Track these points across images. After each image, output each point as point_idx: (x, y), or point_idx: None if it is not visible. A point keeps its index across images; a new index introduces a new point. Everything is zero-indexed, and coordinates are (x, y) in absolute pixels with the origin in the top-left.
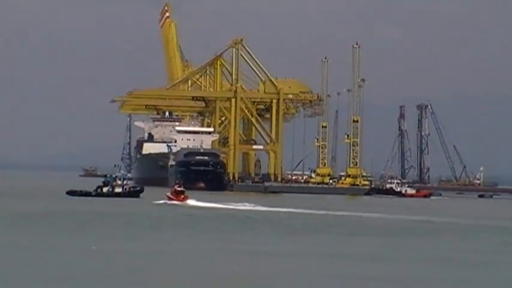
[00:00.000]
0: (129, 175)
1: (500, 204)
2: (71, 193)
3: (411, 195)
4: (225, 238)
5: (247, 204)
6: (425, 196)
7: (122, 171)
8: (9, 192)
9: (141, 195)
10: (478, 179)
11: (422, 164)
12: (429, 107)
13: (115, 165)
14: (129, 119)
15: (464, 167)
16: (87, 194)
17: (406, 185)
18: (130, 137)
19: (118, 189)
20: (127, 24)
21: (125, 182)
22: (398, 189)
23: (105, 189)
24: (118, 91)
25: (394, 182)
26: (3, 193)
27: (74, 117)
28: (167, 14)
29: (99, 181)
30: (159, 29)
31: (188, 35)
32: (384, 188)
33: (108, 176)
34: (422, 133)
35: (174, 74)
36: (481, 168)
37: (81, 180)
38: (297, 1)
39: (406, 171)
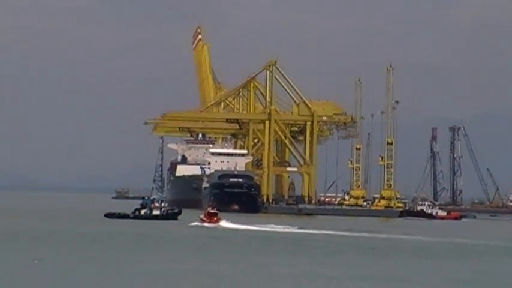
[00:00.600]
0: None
1: None
2: (109, 215)
3: (442, 218)
4: (250, 260)
5: (280, 226)
6: (456, 218)
7: (159, 194)
8: (47, 214)
9: (179, 217)
10: (511, 201)
11: (455, 186)
12: (462, 128)
13: (152, 188)
14: (161, 141)
15: (497, 188)
16: (125, 216)
17: (437, 207)
18: (162, 159)
19: (156, 212)
20: (160, 47)
21: (162, 204)
22: (429, 211)
23: (143, 212)
24: (151, 113)
25: (425, 204)
26: (43, 214)
27: (105, 139)
28: (199, 37)
29: (132, 203)
30: (192, 52)
31: (220, 57)
32: (415, 210)
33: (146, 198)
34: (455, 155)
35: (207, 96)
36: None
37: (114, 203)
38: (329, 22)
39: (439, 193)
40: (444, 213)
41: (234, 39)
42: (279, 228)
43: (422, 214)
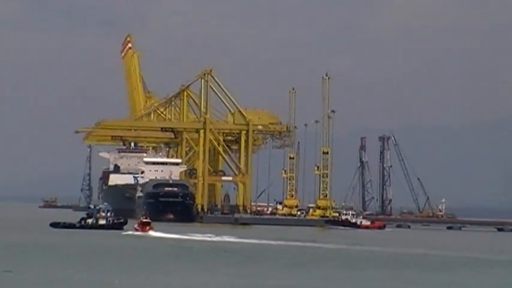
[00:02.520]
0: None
1: (478, 236)
2: (55, 225)
3: (366, 227)
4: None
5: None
6: (380, 228)
7: (105, 203)
8: None
9: (124, 227)
10: (441, 211)
11: (384, 196)
12: (392, 138)
13: (98, 197)
14: (89, 150)
15: (428, 198)
16: (71, 226)
17: (361, 217)
18: (90, 168)
19: (102, 221)
20: (88, 55)
21: (108, 213)
22: (354, 221)
23: (89, 221)
24: (78, 122)
25: (349, 214)
26: None
27: (26, 147)
28: (129, 45)
29: (60, 212)
30: (121, 60)
31: (150, 66)
32: (340, 220)
33: (92, 207)
34: (384, 165)
35: (137, 105)
36: (443, 200)
37: (43, 212)
38: (263, 30)
39: (367, 202)
40: (368, 223)
41: (163, 49)
42: (214, 238)
43: (347, 223)
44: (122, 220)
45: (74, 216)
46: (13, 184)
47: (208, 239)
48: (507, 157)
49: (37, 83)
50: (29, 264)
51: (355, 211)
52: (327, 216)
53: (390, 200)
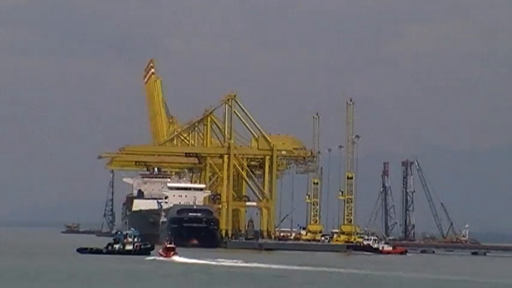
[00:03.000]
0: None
1: (504, 262)
2: (82, 250)
3: (388, 252)
4: None
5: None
6: (401, 253)
7: (132, 229)
8: (15, 250)
9: (151, 252)
10: (464, 236)
11: (407, 221)
12: (415, 163)
13: (122, 222)
14: (111, 175)
15: (451, 224)
16: (98, 251)
17: (383, 242)
18: (113, 193)
19: (129, 247)
20: (109, 81)
21: (135, 239)
22: (376, 246)
23: (116, 246)
24: (101, 147)
25: (371, 239)
26: (11, 251)
27: (47, 174)
28: (152, 70)
29: (83, 238)
30: (143, 86)
31: (173, 92)
32: (361, 245)
33: (119, 233)
34: (407, 190)
35: (159, 131)
36: (467, 226)
37: (66, 237)
38: (285, 57)
39: (390, 228)
40: (390, 248)
41: (185, 74)
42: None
43: (368, 248)
44: (148, 245)
45: (97, 242)
46: (35, 210)
47: (236, 264)
48: None
49: (56, 109)
50: None
51: (377, 236)
52: (352, 242)
53: (413, 226)
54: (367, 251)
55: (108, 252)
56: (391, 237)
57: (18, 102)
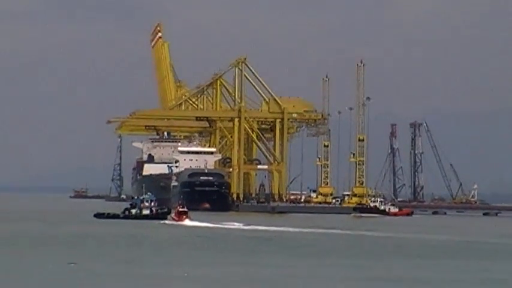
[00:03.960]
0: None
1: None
2: (99, 215)
3: (395, 214)
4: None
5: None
6: (407, 214)
7: (149, 193)
8: (33, 216)
9: (168, 216)
10: (473, 197)
11: (416, 183)
12: (424, 124)
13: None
14: (119, 140)
15: (461, 184)
16: (115, 216)
17: (389, 203)
18: (121, 158)
19: (146, 211)
20: (115, 44)
21: (152, 203)
22: (382, 208)
23: (133, 211)
24: (109, 112)
25: (377, 201)
26: (29, 217)
27: (57, 137)
28: (159, 34)
29: (92, 202)
30: (151, 50)
31: (180, 55)
32: (368, 207)
33: (136, 197)
34: (416, 151)
35: (167, 95)
36: (475, 186)
37: (75, 202)
38: (294, 18)
39: (398, 189)
40: (396, 210)
41: (192, 39)
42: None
43: (375, 210)
44: (165, 210)
45: (107, 206)
46: (42, 175)
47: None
48: None
49: (62, 75)
50: (88, 256)
51: (384, 198)
52: (364, 204)
53: (422, 187)
54: (374, 212)
55: (126, 217)
56: (400, 199)
57: (25, 68)
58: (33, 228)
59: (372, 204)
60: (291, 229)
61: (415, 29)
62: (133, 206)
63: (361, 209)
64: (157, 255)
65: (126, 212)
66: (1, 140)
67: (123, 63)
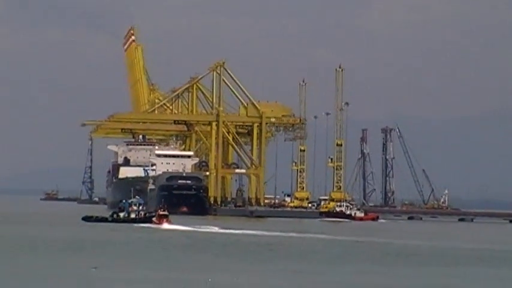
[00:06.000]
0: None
1: (496, 228)
2: (87, 219)
3: (360, 218)
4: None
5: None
6: (373, 219)
7: (137, 197)
8: (8, 219)
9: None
10: (444, 202)
11: (387, 187)
12: (396, 130)
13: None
14: (90, 142)
15: (432, 190)
16: (103, 219)
17: (355, 208)
18: (91, 161)
19: (133, 215)
20: (87, 52)
21: (140, 207)
22: (348, 212)
23: (121, 215)
24: (78, 115)
25: (343, 205)
26: (12, 220)
27: (25, 140)
28: (132, 38)
29: (63, 205)
30: (123, 53)
31: (152, 59)
32: (334, 211)
33: (124, 201)
34: (387, 156)
35: (141, 98)
36: (446, 191)
37: (46, 204)
38: (270, 22)
39: (368, 194)
40: (362, 215)
41: (164, 43)
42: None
43: (341, 215)
44: (153, 214)
45: (80, 209)
46: (11, 177)
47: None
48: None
49: (34, 79)
50: (107, 260)
51: (349, 203)
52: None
53: (393, 192)
54: (340, 217)
55: (114, 221)
56: (371, 204)
57: None
58: (29, 232)
59: (337, 209)
60: (275, 233)
61: (388, 36)
62: (121, 210)
63: (328, 213)
64: (167, 258)
65: (115, 216)
66: None
67: (94, 66)
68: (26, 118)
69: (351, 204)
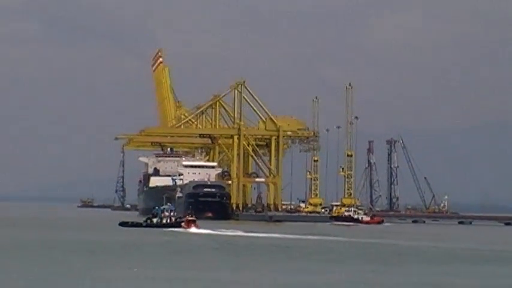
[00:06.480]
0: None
1: (492, 230)
2: (123, 224)
3: (367, 222)
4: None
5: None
6: (378, 223)
7: (168, 204)
8: (59, 224)
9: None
10: (444, 207)
11: (392, 194)
12: (400, 141)
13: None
14: (122, 154)
15: (433, 196)
16: (138, 225)
17: (362, 213)
18: (123, 171)
19: (165, 220)
20: (118, 71)
21: (171, 213)
22: (356, 216)
23: (154, 220)
24: (111, 129)
25: (351, 210)
26: (54, 225)
27: (64, 152)
28: (160, 60)
29: (100, 212)
30: (151, 73)
31: (179, 78)
32: (343, 216)
33: (157, 208)
34: (392, 165)
35: (168, 114)
36: (446, 197)
37: (85, 211)
38: (287, 45)
39: (375, 200)
40: (368, 218)
41: (187, 63)
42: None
43: (349, 219)
44: (182, 219)
45: (114, 215)
46: (50, 186)
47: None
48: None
49: (70, 94)
50: (144, 262)
51: (357, 208)
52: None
53: (397, 198)
54: (348, 221)
55: (147, 226)
56: (377, 209)
57: (35, 87)
58: (72, 236)
59: (346, 214)
60: (291, 236)
61: (390, 53)
62: (154, 216)
63: (337, 217)
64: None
65: (148, 221)
66: (13, 154)
67: (124, 85)
68: (62, 132)
69: (359, 209)
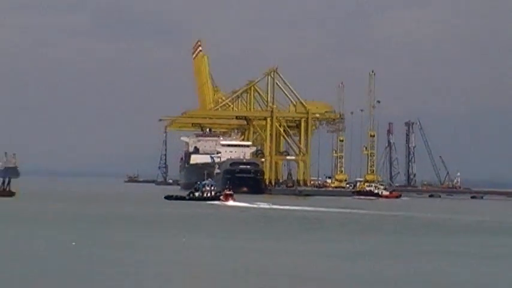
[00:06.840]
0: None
1: (504, 204)
2: (169, 197)
3: (386, 196)
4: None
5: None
6: (396, 197)
7: (209, 179)
8: (112, 198)
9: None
10: (457, 183)
11: (410, 171)
12: (418, 123)
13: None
14: (165, 135)
15: (447, 173)
16: (182, 198)
17: (382, 188)
18: (166, 150)
19: (206, 194)
20: (161, 60)
21: (212, 187)
22: (376, 191)
23: (196, 194)
24: (156, 111)
25: (372, 185)
26: (108, 199)
27: (112, 130)
28: (200, 49)
29: (145, 186)
30: (191, 61)
31: (216, 65)
32: (365, 191)
33: (199, 183)
34: (410, 145)
35: (206, 98)
36: (458, 174)
37: (131, 186)
38: (315, 35)
39: (394, 177)
40: (387, 193)
41: (223, 50)
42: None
43: (370, 193)
44: (221, 193)
45: (158, 190)
46: (98, 162)
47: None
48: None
49: (115, 78)
50: (194, 231)
51: (383, 183)
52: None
53: (415, 174)
54: (369, 195)
55: (190, 199)
56: (396, 184)
57: (85, 75)
58: (126, 209)
59: (367, 189)
60: (319, 209)
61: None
62: (196, 190)
63: (359, 192)
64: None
65: (191, 195)
66: (63, 132)
67: (166, 72)
68: (111, 113)
69: (380, 184)
